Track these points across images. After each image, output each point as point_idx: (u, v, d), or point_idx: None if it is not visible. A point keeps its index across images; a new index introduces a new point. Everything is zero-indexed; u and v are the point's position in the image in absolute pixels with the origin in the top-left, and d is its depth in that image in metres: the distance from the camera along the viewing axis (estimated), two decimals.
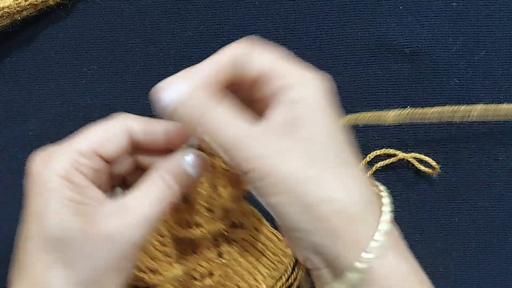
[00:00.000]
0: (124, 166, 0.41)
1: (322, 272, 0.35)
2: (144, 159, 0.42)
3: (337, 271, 0.34)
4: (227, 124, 0.35)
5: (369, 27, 0.52)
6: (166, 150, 0.41)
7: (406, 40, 0.52)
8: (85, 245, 0.35)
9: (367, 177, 0.37)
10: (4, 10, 0.48)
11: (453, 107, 0.48)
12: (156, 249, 0.43)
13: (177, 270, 0.44)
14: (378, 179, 0.52)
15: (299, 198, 0.34)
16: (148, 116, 0.53)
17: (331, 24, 0.53)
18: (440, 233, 0.53)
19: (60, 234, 0.35)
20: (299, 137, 0.34)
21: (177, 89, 0.36)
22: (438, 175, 0.51)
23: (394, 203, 0.53)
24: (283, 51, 0.37)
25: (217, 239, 0.48)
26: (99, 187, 0.39)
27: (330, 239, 0.34)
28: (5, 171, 0.53)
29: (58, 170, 0.36)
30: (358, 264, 0.34)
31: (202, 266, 0.46)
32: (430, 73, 0.52)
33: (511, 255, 0.53)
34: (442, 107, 0.48)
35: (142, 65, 0.53)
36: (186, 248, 0.46)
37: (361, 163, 0.38)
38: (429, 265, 0.51)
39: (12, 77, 0.53)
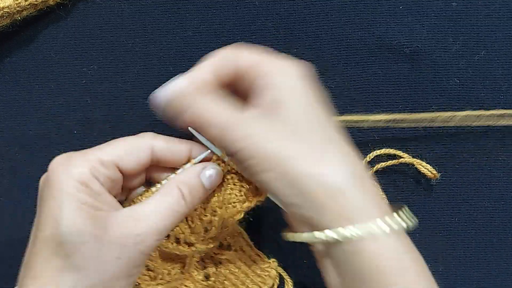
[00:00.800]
0: (137, 180, 0.42)
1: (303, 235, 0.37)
2: (156, 177, 0.43)
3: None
4: (214, 111, 0.38)
5: (369, 27, 0.52)
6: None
7: (406, 40, 0.52)
8: (97, 250, 0.35)
9: (355, 153, 0.38)
10: (4, 10, 0.48)
11: (433, 113, 0.49)
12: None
13: (158, 283, 0.43)
14: (378, 179, 0.52)
15: (285, 174, 0.35)
16: (149, 116, 0.53)
17: (331, 24, 0.53)
18: (440, 233, 0.53)
19: (73, 238, 0.35)
20: (282, 117, 0.36)
21: (168, 88, 0.40)
22: (439, 175, 0.51)
23: (394, 203, 0.53)
24: (265, 49, 0.40)
25: (205, 260, 0.48)
26: (114, 196, 0.39)
27: (318, 212, 0.35)
28: (4, 171, 0.53)
29: (75, 175, 0.36)
30: (341, 230, 0.34)
31: (186, 286, 0.46)
32: (430, 73, 0.52)
33: (511, 255, 0.53)
34: (422, 113, 0.49)
35: (142, 65, 0.53)
36: (173, 265, 0.46)
37: (349, 142, 0.38)
38: (429, 265, 0.51)
39: (12, 77, 0.53)
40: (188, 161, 0.41)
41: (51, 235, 0.35)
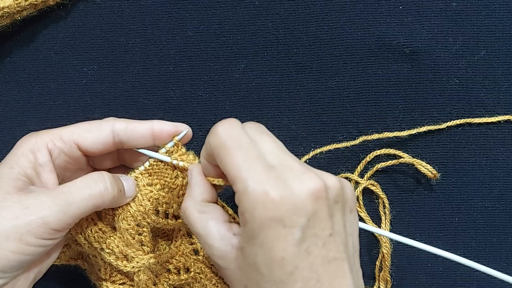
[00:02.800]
0: (107, 163, 0.45)
1: None
2: (128, 160, 0.45)
3: None
4: (201, 229, 0.39)
5: (369, 27, 0.52)
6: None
7: (406, 40, 0.52)
8: (11, 212, 0.38)
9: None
10: (4, 10, 0.48)
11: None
12: (132, 238, 0.44)
13: (150, 257, 0.44)
14: (378, 179, 0.52)
15: None
16: (149, 116, 0.53)
17: (331, 24, 0.53)
18: (440, 233, 0.53)
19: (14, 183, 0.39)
20: (240, 263, 0.37)
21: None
22: (439, 175, 0.51)
23: (394, 204, 0.53)
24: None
25: (192, 236, 0.48)
26: (67, 176, 0.43)
27: None
28: None
29: (30, 141, 0.41)
30: None
31: (176, 260, 0.47)
32: (430, 73, 0.52)
33: (511, 255, 0.53)
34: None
35: (142, 65, 0.53)
36: (161, 240, 0.47)
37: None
38: (429, 265, 0.51)
39: (12, 77, 0.53)
40: (152, 140, 0.43)
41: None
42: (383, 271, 0.51)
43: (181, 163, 0.43)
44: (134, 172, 0.44)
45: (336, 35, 0.53)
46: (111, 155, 0.45)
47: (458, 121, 0.52)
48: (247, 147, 0.36)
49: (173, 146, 0.44)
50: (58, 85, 0.53)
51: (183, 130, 0.44)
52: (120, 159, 0.46)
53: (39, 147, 0.41)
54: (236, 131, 0.37)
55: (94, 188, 0.40)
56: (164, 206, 0.44)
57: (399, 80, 0.52)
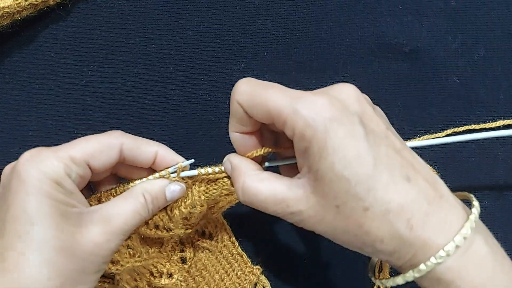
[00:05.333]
0: (102, 176, 0.43)
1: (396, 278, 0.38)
2: (123, 172, 0.44)
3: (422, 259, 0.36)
4: (261, 196, 0.38)
5: (369, 26, 0.52)
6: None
7: (405, 39, 0.52)
8: (70, 245, 0.36)
9: (415, 189, 0.37)
10: (4, 10, 0.48)
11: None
12: None
13: (135, 261, 0.44)
14: None
15: (344, 244, 0.37)
16: (149, 116, 0.53)
17: (331, 24, 0.53)
18: None
19: (50, 237, 0.36)
20: (320, 194, 0.36)
21: (227, 167, 0.42)
22: (438, 175, 0.51)
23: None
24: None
25: (184, 244, 0.48)
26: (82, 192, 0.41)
27: (397, 256, 0.36)
28: None
29: (50, 173, 0.37)
30: (444, 249, 0.35)
31: (161, 265, 0.47)
32: (429, 72, 0.52)
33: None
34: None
35: (142, 65, 0.53)
36: (150, 243, 0.47)
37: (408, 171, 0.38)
38: None
39: (12, 77, 0.53)
40: (153, 163, 0.42)
41: (28, 233, 0.35)
42: (382, 271, 0.51)
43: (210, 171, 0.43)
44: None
45: (336, 35, 0.53)
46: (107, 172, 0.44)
47: (461, 128, 0.52)
48: (276, 84, 0.38)
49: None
50: (58, 85, 0.53)
51: (184, 162, 0.43)
52: (112, 173, 0.44)
53: (61, 176, 0.37)
54: (256, 80, 0.39)
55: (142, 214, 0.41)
56: (154, 218, 0.44)
57: (399, 79, 0.52)
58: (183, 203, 0.43)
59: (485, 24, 0.52)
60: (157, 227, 0.44)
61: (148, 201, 0.41)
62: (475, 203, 0.39)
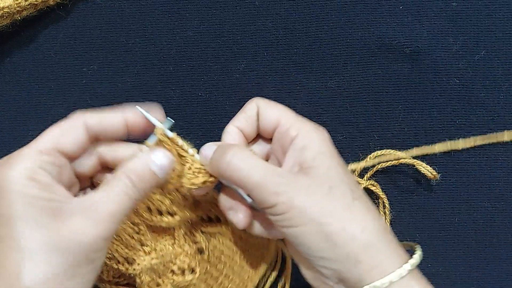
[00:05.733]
0: (88, 164, 0.43)
1: None
2: (108, 155, 0.43)
3: None
4: (253, 166, 0.40)
5: (369, 27, 0.52)
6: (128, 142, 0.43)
7: (406, 40, 0.52)
8: (54, 240, 0.36)
9: (374, 206, 0.41)
10: (4, 10, 0.48)
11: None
12: (131, 237, 0.43)
13: (151, 258, 0.44)
14: (378, 179, 0.52)
15: (319, 228, 0.37)
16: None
17: (331, 24, 0.53)
18: (440, 233, 0.53)
19: (28, 231, 0.35)
20: (315, 178, 0.39)
21: (211, 146, 0.43)
22: (439, 175, 0.51)
23: (394, 204, 0.53)
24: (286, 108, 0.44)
25: (195, 235, 0.47)
26: (64, 185, 0.40)
27: (352, 265, 0.37)
28: None
29: (20, 171, 0.37)
30: (378, 283, 0.37)
31: (181, 260, 0.46)
32: (430, 73, 0.52)
33: (511, 255, 0.53)
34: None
35: (142, 65, 0.53)
36: (162, 240, 0.46)
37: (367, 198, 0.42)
38: (429, 265, 0.51)
39: (12, 77, 0.53)
40: (126, 131, 0.42)
41: (5, 233, 0.35)
42: None
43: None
44: None
45: (336, 35, 0.53)
46: (91, 158, 0.43)
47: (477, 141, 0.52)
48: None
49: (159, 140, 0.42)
50: (58, 85, 0.53)
51: (160, 119, 0.42)
52: (101, 163, 0.44)
53: (33, 171, 0.37)
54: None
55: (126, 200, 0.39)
56: (156, 202, 0.43)
57: (399, 80, 0.52)
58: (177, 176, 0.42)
59: (486, 25, 0.52)
60: (160, 213, 0.44)
61: (134, 181, 0.39)
62: (419, 251, 0.41)
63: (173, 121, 0.43)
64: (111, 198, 0.38)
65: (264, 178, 0.39)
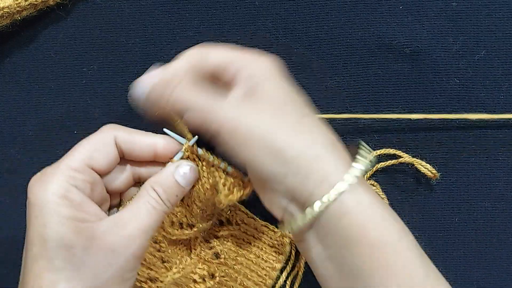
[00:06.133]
0: (119, 180, 0.43)
1: (297, 217, 0.38)
2: (139, 173, 0.43)
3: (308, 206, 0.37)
4: (195, 96, 0.39)
5: (369, 27, 0.52)
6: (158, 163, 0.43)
7: (406, 40, 0.52)
8: (87, 259, 0.36)
9: (324, 123, 0.41)
10: (4, 10, 0.48)
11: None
12: (153, 256, 0.43)
13: (174, 273, 0.44)
14: (378, 180, 0.52)
15: (268, 146, 0.37)
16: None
17: (331, 24, 0.53)
18: (440, 233, 0.53)
19: (63, 252, 0.36)
20: (260, 100, 0.39)
21: (148, 77, 0.41)
22: (439, 174, 0.51)
23: (394, 204, 0.53)
24: (233, 46, 0.42)
25: (209, 240, 0.48)
26: (96, 202, 0.40)
27: (301, 179, 0.37)
28: (4, 171, 0.53)
29: (54, 190, 0.37)
30: (325, 197, 0.36)
31: (200, 268, 0.46)
32: (430, 73, 0.52)
33: (511, 255, 0.53)
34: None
35: (142, 65, 0.53)
36: (181, 252, 0.46)
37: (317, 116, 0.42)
38: None
39: (12, 77, 0.53)
40: (154, 155, 0.42)
41: (42, 253, 0.36)
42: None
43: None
44: None
45: (336, 35, 0.53)
46: (123, 174, 0.43)
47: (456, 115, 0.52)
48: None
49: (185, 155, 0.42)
50: (58, 85, 0.53)
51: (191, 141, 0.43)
52: (134, 178, 0.44)
53: (66, 189, 0.38)
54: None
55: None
56: (178, 215, 0.44)
57: (399, 80, 0.52)
58: (203, 185, 0.42)
59: (486, 25, 0.52)
60: (181, 225, 0.44)
61: (159, 193, 0.40)
62: (362, 151, 0.41)
63: (197, 136, 0.43)
64: (140, 214, 0.39)
65: (206, 106, 0.38)
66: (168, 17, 0.53)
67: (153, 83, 0.41)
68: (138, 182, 0.44)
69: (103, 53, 0.53)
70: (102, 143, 0.41)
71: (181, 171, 0.41)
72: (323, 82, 0.53)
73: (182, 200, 0.43)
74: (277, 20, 0.53)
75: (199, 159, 0.42)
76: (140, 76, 0.53)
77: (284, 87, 0.40)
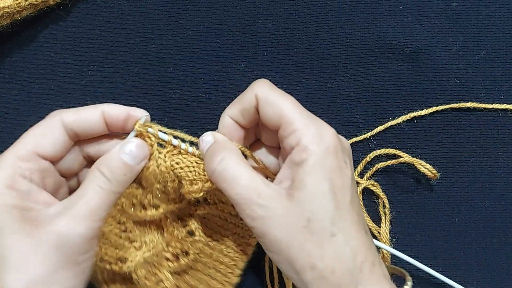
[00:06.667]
0: (72, 163, 0.42)
1: None
2: (92, 151, 0.42)
3: None
4: (236, 178, 0.38)
5: (369, 27, 0.52)
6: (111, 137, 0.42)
7: (406, 40, 0.52)
8: (32, 246, 0.36)
9: (365, 238, 0.38)
10: (4, 10, 0.48)
11: None
12: (119, 237, 0.43)
13: (143, 252, 0.43)
14: (378, 179, 0.52)
15: (288, 261, 0.37)
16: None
17: (331, 24, 0.53)
18: (440, 233, 0.53)
19: (9, 242, 0.35)
20: (296, 202, 0.37)
21: (207, 139, 0.41)
22: (439, 174, 0.51)
23: (394, 204, 0.53)
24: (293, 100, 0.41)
25: (184, 219, 0.47)
26: (50, 188, 0.39)
27: None
28: None
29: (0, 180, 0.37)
30: None
31: (173, 246, 0.46)
32: (430, 73, 0.52)
33: (511, 255, 0.53)
34: None
35: (142, 65, 0.53)
36: (150, 231, 0.46)
37: (360, 227, 0.39)
38: (429, 265, 0.51)
39: (12, 77, 0.53)
40: (106, 125, 0.41)
41: None
42: None
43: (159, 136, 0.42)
44: None
45: (336, 35, 0.53)
46: (75, 156, 0.43)
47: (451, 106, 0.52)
48: (291, 96, 0.41)
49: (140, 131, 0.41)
50: (58, 85, 0.53)
51: (138, 114, 0.42)
52: (86, 158, 0.43)
53: (13, 179, 0.37)
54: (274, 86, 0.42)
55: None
56: (138, 197, 0.43)
57: (399, 80, 0.52)
58: (158, 166, 0.41)
59: (486, 25, 0.52)
60: (144, 207, 0.43)
61: (105, 172, 0.39)
62: (409, 282, 0.41)
63: (147, 113, 0.42)
64: (88, 195, 0.38)
65: (243, 196, 0.38)
66: (168, 17, 0.53)
67: (211, 143, 0.41)
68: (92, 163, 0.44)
69: (103, 53, 0.53)
70: (49, 129, 0.40)
71: (126, 149, 0.40)
72: (323, 82, 0.53)
73: (140, 181, 0.42)
74: (277, 20, 0.53)
75: (156, 139, 0.41)
76: (140, 75, 0.53)
77: (325, 192, 0.37)
